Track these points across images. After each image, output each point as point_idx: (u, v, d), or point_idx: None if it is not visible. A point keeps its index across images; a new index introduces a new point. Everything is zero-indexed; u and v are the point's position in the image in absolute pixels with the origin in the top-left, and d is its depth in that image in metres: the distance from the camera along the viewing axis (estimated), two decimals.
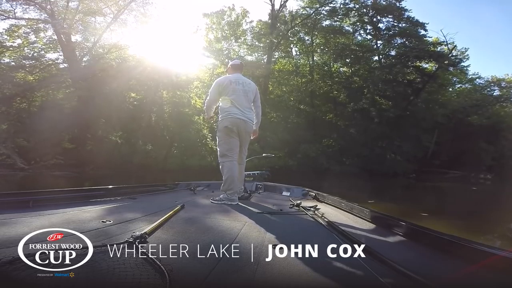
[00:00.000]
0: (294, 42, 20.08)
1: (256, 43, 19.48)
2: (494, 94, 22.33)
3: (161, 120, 14.69)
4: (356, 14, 18.65)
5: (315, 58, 20.08)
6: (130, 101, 13.86)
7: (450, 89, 21.86)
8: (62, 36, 11.93)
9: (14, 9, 11.33)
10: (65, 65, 12.67)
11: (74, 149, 11.71)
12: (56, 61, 12.76)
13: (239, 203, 2.90)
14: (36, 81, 11.99)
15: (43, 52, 12.32)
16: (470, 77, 21.73)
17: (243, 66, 3.30)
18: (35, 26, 11.82)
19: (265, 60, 18.89)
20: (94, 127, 12.52)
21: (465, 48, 19.87)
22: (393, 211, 5.94)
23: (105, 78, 12.49)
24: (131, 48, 14.10)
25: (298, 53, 20.78)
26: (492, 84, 22.15)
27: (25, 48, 12.01)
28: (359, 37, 19.73)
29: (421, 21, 18.34)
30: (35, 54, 12.11)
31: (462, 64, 19.42)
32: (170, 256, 1.25)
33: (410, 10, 18.37)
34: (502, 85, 22.05)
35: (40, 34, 12.10)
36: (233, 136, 3.02)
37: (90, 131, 12.36)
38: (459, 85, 22.50)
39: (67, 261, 1.08)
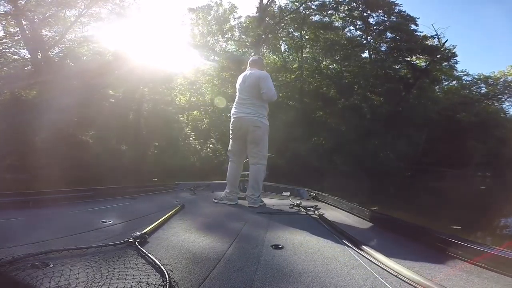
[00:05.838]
0: (283, 37, 20.02)
1: (244, 37, 19.27)
2: (482, 91, 22.95)
3: (142, 118, 14.18)
4: (346, 8, 18.73)
5: (304, 54, 20.08)
6: (106, 98, 13.24)
7: (437, 87, 22.23)
8: (27, 31, 11.30)
9: None
10: (29, 57, 11.97)
11: (40, 150, 11.14)
12: (19, 55, 12.05)
13: (238, 202, 2.95)
14: None
15: (13, 48, 11.69)
16: (458, 74, 22.24)
17: (260, 60, 3.32)
18: (4, 20, 11.16)
19: (252, 55, 18.72)
20: (63, 126, 11.69)
21: (453, 45, 19.97)
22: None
23: (77, 73, 11.82)
24: (109, 43, 13.51)
25: (287, 49, 20.82)
26: (479, 81, 22.75)
27: None
28: (348, 34, 19.87)
29: (412, 16, 18.51)
30: None
31: (455, 59, 19.67)
32: (170, 256, 1.26)
33: (401, 4, 18.54)
34: (489, 82, 22.61)
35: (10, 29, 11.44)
36: (235, 137, 3.08)
37: (59, 131, 11.42)
38: (446, 83, 23.03)
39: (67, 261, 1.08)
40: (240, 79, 3.11)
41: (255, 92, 2.98)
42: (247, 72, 3.10)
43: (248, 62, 3.23)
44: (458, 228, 5.22)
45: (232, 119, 3.05)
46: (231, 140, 3.11)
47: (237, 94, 3.10)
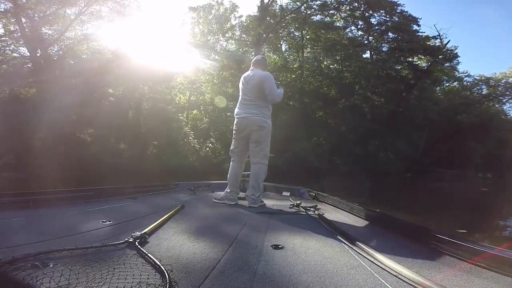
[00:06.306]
0: (284, 37, 20.05)
1: (244, 37, 19.29)
2: (483, 92, 22.97)
3: (141, 117, 14.20)
4: (347, 8, 18.76)
5: (305, 54, 20.09)
6: (106, 96, 13.28)
7: (438, 88, 22.30)
8: (26, 29, 11.28)
9: None
10: (28, 55, 11.94)
11: (39, 149, 10.79)
12: (18, 52, 12.02)
13: (238, 202, 2.96)
14: None
15: (13, 46, 11.67)
16: (459, 75, 22.22)
17: (263, 60, 3.35)
18: (3, 18, 11.12)
19: (253, 54, 18.77)
20: (62, 124, 11.65)
21: (455, 46, 20.02)
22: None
23: (76, 72, 11.91)
24: (109, 41, 13.48)
25: (287, 49, 20.83)
26: (481, 82, 22.78)
27: None
28: (350, 34, 19.88)
29: (414, 16, 18.52)
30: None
31: (456, 60, 19.69)
32: (170, 256, 1.26)
33: (403, 4, 18.58)
34: (491, 83, 22.63)
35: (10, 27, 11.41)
36: (238, 137, 3.10)
37: (58, 129, 11.39)
38: (447, 84, 23.05)
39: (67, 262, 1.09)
40: (243, 79, 3.12)
41: (259, 93, 2.99)
42: (250, 72, 3.10)
43: (252, 61, 3.23)
44: (464, 232, 4.95)
45: (236, 119, 3.07)
46: (233, 140, 3.13)
47: (241, 94, 3.10)
